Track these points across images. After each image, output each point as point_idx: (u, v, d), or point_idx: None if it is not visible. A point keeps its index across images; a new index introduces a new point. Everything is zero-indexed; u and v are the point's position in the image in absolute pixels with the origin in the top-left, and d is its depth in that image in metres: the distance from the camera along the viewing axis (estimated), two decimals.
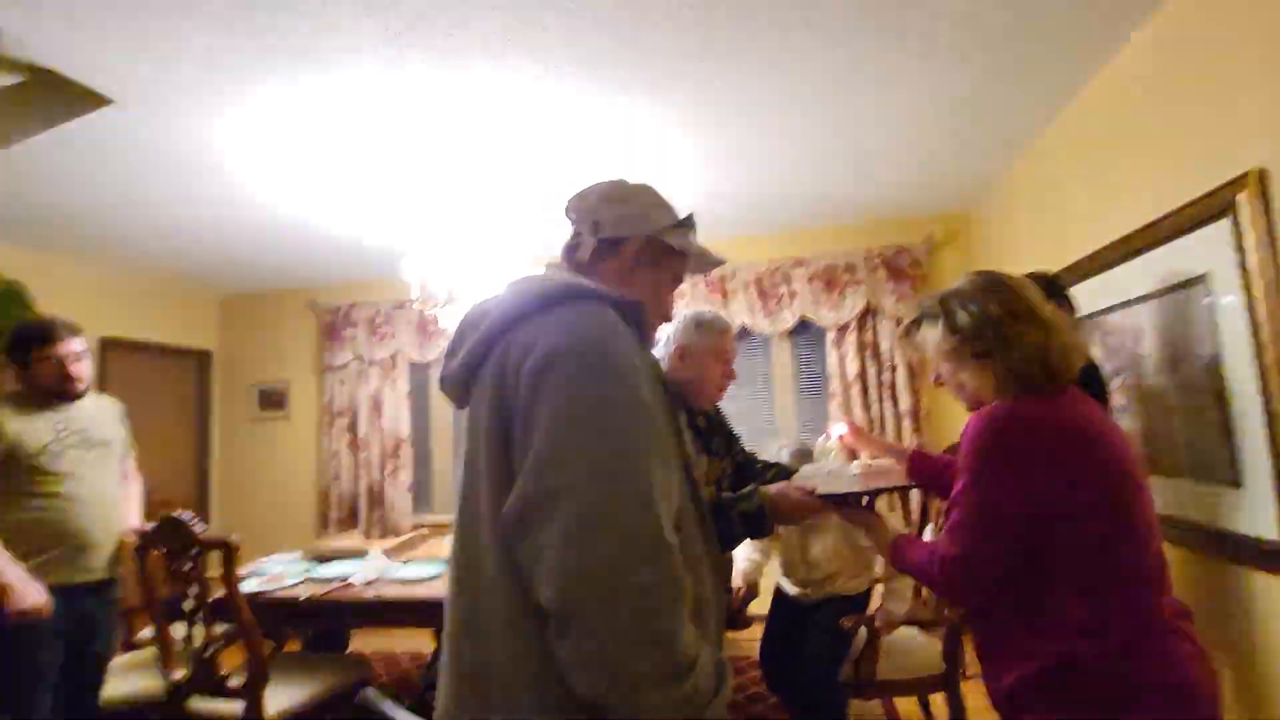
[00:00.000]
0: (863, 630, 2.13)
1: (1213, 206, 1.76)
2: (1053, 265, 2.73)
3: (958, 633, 2.15)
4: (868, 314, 3.86)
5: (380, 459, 4.43)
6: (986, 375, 1.14)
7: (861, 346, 3.84)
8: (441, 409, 4.56)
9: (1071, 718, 0.99)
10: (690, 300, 4.08)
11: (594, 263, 0.97)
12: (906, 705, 2.63)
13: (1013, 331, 1.11)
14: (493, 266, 2.87)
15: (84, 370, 2.09)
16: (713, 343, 1.67)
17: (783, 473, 1.69)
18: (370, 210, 3.34)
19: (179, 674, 2.10)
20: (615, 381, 0.75)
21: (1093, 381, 2.02)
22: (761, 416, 4.09)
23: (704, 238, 4.34)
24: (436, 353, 4.42)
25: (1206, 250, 1.82)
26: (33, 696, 1.81)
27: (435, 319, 2.92)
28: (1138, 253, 2.15)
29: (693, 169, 3.06)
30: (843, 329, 3.87)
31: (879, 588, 2.36)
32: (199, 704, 2.08)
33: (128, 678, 2.24)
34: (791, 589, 2.35)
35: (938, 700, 2.29)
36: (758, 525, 1.41)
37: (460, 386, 0.87)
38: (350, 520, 4.41)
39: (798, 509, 1.40)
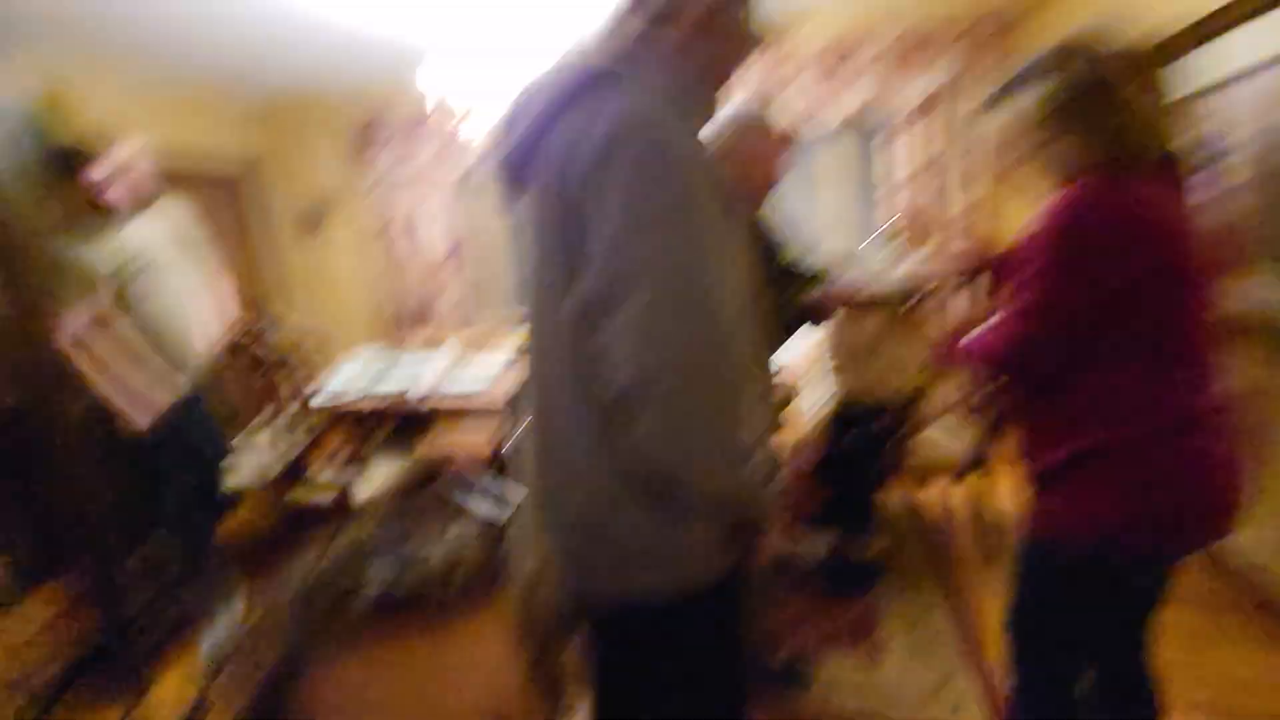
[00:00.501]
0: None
1: None
2: (1177, 24, 2.29)
3: (995, 425, 2.22)
4: (938, 98, 3.44)
5: (437, 266, 4.52)
6: (1078, 143, 1.05)
7: (929, 137, 3.49)
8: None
9: (1095, 496, 1.04)
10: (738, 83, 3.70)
11: (646, 35, 0.86)
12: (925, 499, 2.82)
13: (1115, 96, 1.03)
14: (515, 72, 2.62)
15: (136, 180, 2.02)
16: (752, 143, 1.54)
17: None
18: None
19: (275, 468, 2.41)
20: (677, 173, 0.72)
21: (1178, 164, 1.80)
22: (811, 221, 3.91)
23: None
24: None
25: None
26: (198, 516, 2.12)
27: (456, 132, 2.75)
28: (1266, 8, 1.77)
29: None
30: (912, 115, 3.49)
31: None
32: (297, 494, 2.41)
33: (234, 472, 2.57)
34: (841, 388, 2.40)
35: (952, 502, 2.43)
36: (807, 316, 1.52)
37: (513, 176, 0.85)
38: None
39: (837, 300, 1.49)
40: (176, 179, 4.30)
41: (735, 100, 1.56)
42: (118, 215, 2.02)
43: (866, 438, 2.18)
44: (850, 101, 3.56)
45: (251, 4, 2.96)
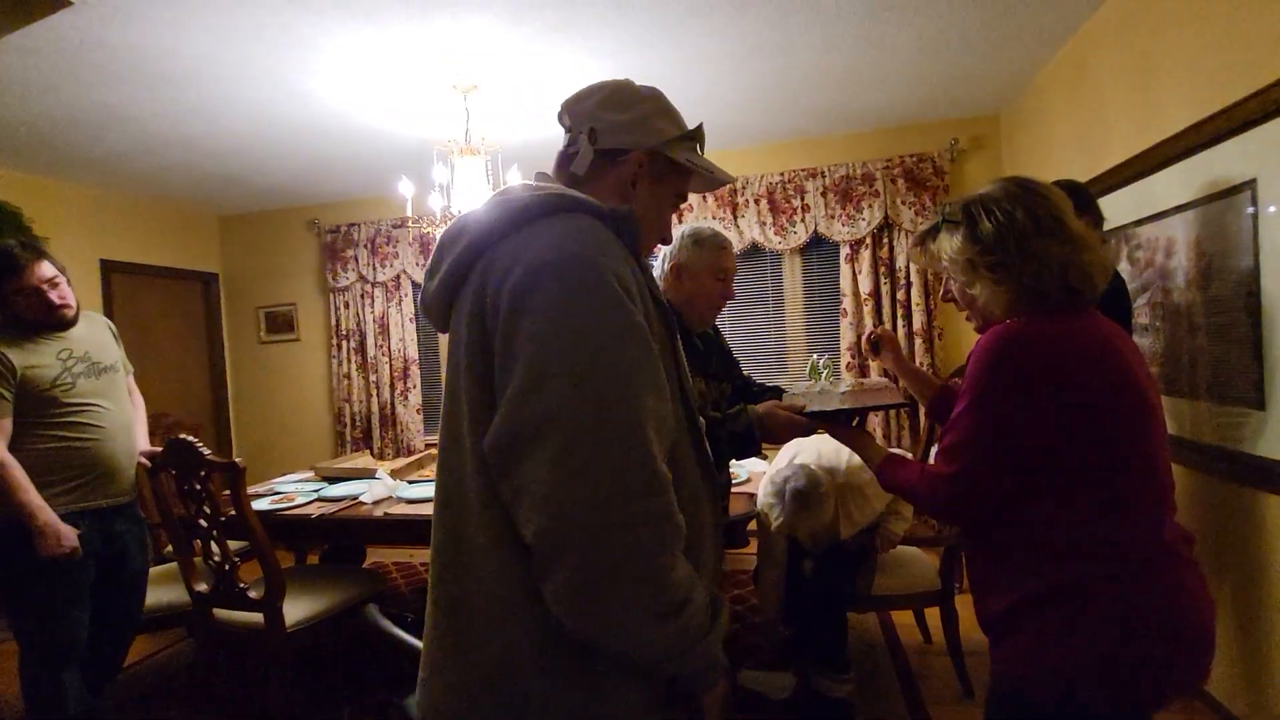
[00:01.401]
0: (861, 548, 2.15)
1: (1265, 106, 1.59)
2: (1086, 173, 2.55)
3: (955, 551, 2.17)
4: (884, 228, 3.69)
5: (390, 380, 4.46)
6: (1000, 290, 1.04)
7: (876, 263, 3.70)
8: None
9: (1063, 642, 0.97)
10: (697, 214, 3.92)
11: (591, 175, 0.88)
12: (901, 619, 2.72)
13: (1038, 245, 1.01)
14: (488, 184, 2.74)
15: (67, 294, 1.97)
16: (711, 260, 1.60)
17: (776, 395, 1.65)
18: (368, 119, 3.18)
19: (201, 587, 2.20)
20: (604, 301, 0.68)
21: (1118, 300, 1.93)
22: (771, 336, 4.02)
23: (712, 146, 4.11)
24: None
25: (1254, 154, 1.66)
26: (69, 615, 1.89)
27: (434, 238, 2.83)
28: (1179, 157, 1.99)
29: (699, 71, 2.84)
30: (857, 244, 3.72)
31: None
32: (224, 614, 2.19)
33: (156, 590, 2.36)
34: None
35: (932, 615, 2.34)
36: (744, 445, 1.39)
37: (441, 309, 0.82)
38: (364, 440, 4.51)
39: (785, 428, 1.37)
40: (158, 273, 4.38)
41: (690, 222, 1.65)
42: (60, 320, 1.97)
43: (830, 567, 2.10)
44: (799, 232, 3.79)
45: (223, 127, 3.10)
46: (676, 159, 0.90)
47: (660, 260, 1.67)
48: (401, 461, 2.91)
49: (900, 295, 3.65)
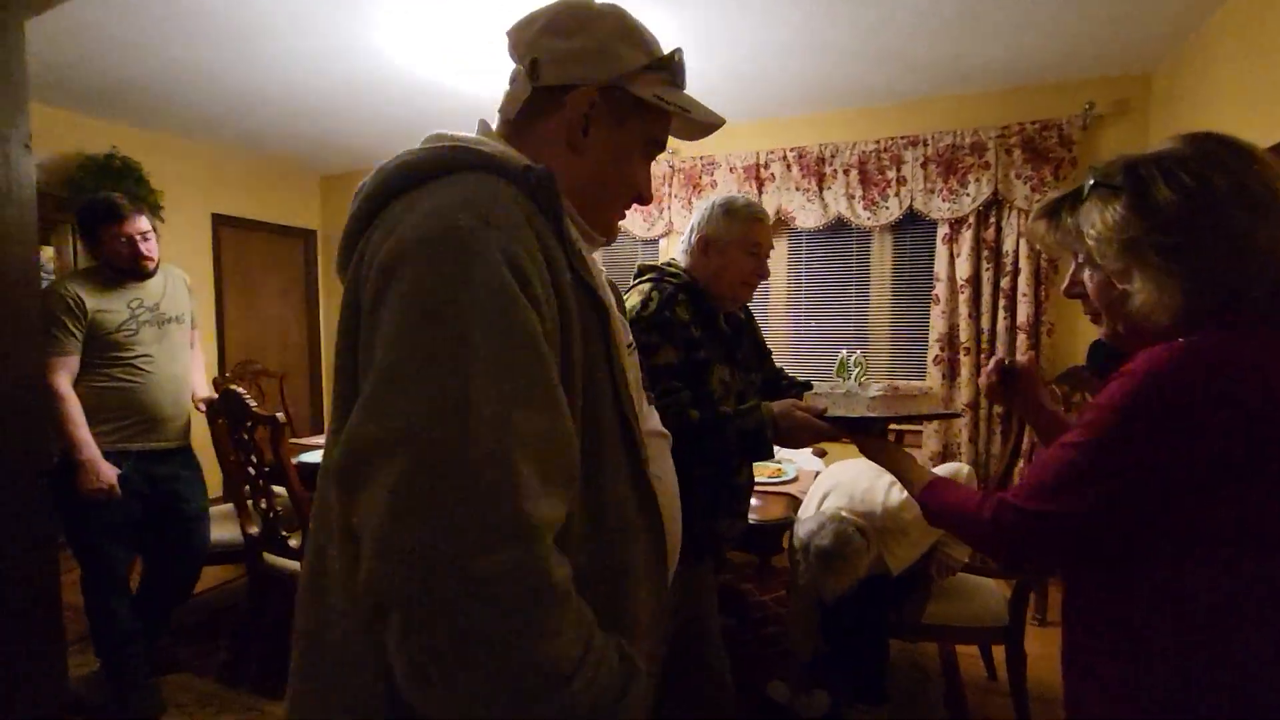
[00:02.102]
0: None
1: None
2: (1268, 140, 2.06)
3: (1028, 585, 1.87)
4: (991, 205, 3.24)
5: None
6: (1173, 286, 0.73)
7: (979, 244, 3.27)
8: None
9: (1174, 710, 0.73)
10: (780, 185, 3.63)
11: (530, 120, 0.73)
12: (966, 652, 2.42)
13: (1243, 225, 0.72)
14: None
15: (153, 249, 2.14)
16: (742, 232, 1.42)
17: (805, 390, 1.45)
18: (429, 73, 3.15)
19: (253, 530, 2.32)
20: (483, 289, 0.53)
21: None
22: (852, 323, 3.69)
23: (795, 109, 3.79)
24: None
25: None
26: (108, 550, 2.05)
27: None
28: None
29: (781, 19, 2.55)
30: (958, 223, 3.29)
31: None
32: (271, 559, 2.29)
33: (227, 526, 2.52)
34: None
35: (1000, 650, 2.05)
36: (755, 446, 1.26)
37: (342, 275, 0.70)
38: None
39: (802, 431, 1.23)
40: (263, 228, 4.72)
41: (724, 192, 1.47)
42: (141, 270, 2.12)
43: (869, 591, 1.87)
44: (891, 208, 3.41)
45: (316, 81, 3.17)
46: (641, 96, 0.72)
47: (687, 231, 1.50)
48: None
49: (1005, 283, 3.21)
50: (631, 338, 0.81)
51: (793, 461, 2.40)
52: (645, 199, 0.81)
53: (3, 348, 1.81)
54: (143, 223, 2.12)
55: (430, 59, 2.88)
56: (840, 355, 1.32)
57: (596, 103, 0.71)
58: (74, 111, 3.61)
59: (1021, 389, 1.08)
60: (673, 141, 2.97)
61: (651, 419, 0.81)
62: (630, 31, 0.74)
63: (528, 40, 0.73)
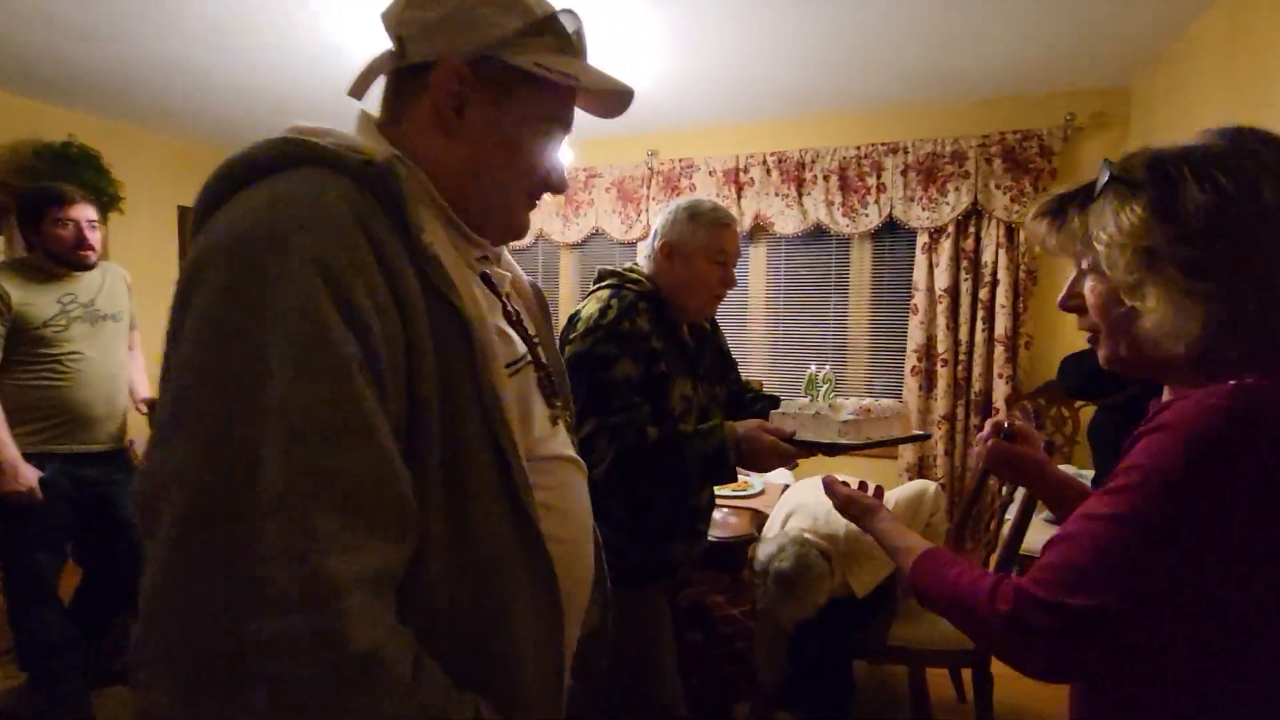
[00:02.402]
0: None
1: None
2: None
3: None
4: (970, 215, 3.20)
5: None
6: (1194, 308, 0.62)
7: (958, 255, 3.23)
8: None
9: None
10: (759, 189, 3.57)
11: (404, 105, 0.65)
12: (936, 672, 2.37)
13: (1248, 242, 0.61)
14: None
15: (97, 242, 2.04)
16: (707, 240, 1.34)
17: (771, 407, 1.38)
18: None
19: None
20: (283, 305, 0.46)
21: None
22: (831, 331, 3.64)
23: (776, 112, 3.72)
24: (531, 238, 4.25)
25: None
26: (34, 557, 1.94)
27: None
28: None
29: (757, 21, 2.49)
30: (937, 232, 3.25)
31: None
32: None
33: None
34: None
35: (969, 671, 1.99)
36: (717, 469, 1.19)
37: None
38: None
39: (767, 456, 1.16)
40: None
41: (694, 197, 1.40)
42: (81, 261, 2.02)
43: (831, 614, 1.81)
44: (871, 215, 3.36)
45: (281, 77, 3.07)
46: (520, 65, 0.62)
47: (651, 236, 1.42)
48: None
49: (983, 294, 3.17)
50: (527, 351, 0.72)
51: (761, 476, 2.34)
52: (554, 187, 0.71)
53: None
54: (90, 211, 2.04)
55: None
56: (809, 371, 1.25)
57: (466, 77, 0.62)
58: (31, 98, 3.48)
59: (1022, 453, 0.95)
60: (652, 142, 2.92)
61: (553, 442, 0.73)
62: (519, 10, 0.64)
63: (394, 16, 0.64)
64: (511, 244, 3.14)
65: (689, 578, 1.50)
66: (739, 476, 1.29)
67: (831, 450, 1.10)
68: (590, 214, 3.98)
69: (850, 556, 1.70)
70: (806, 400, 1.21)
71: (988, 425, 0.98)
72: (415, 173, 0.62)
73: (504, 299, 0.73)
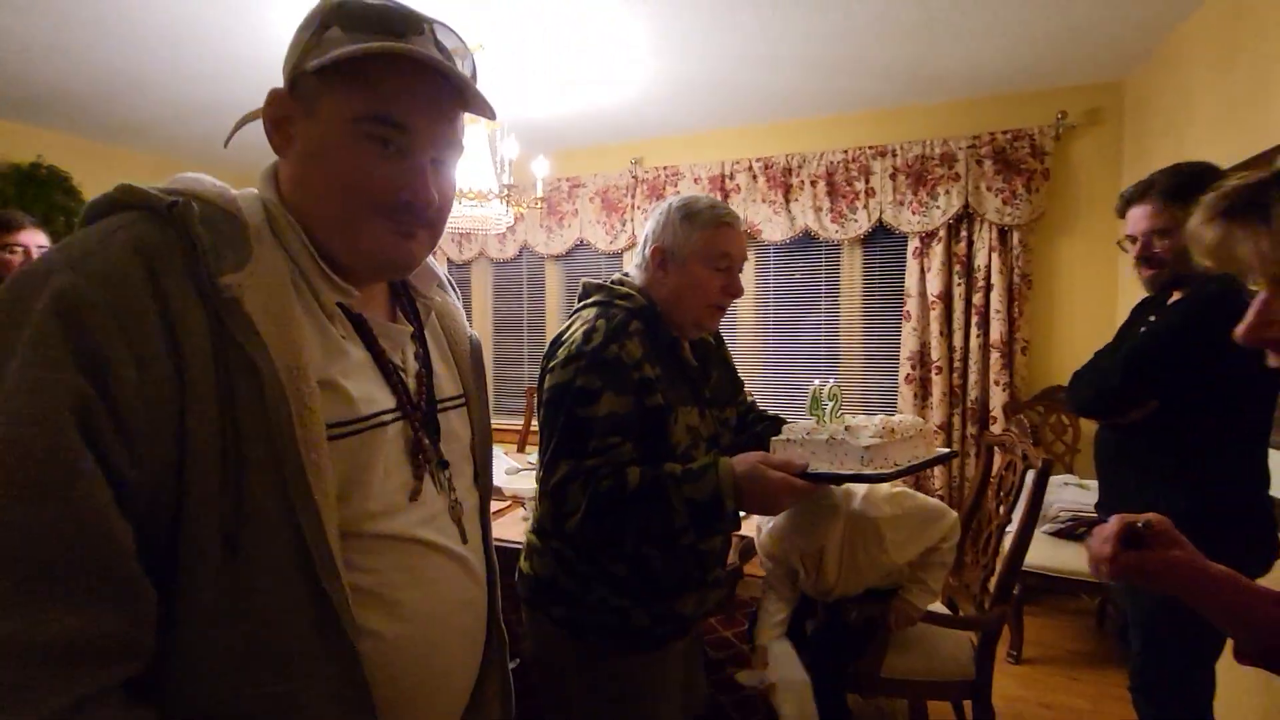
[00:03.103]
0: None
1: None
2: (1233, 156, 1.94)
3: (995, 634, 1.71)
4: (962, 218, 3.11)
5: None
6: None
7: (950, 259, 3.13)
8: (481, 310, 4.36)
9: None
10: (745, 195, 3.49)
11: (279, 149, 0.63)
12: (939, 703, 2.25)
13: None
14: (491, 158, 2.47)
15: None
16: (705, 242, 1.14)
17: (773, 431, 1.20)
18: None
19: None
20: (13, 342, 0.45)
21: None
22: (822, 340, 3.54)
23: (761, 117, 3.63)
24: (474, 252, 4.17)
25: None
26: None
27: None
28: None
29: (736, 25, 2.41)
30: (928, 236, 3.16)
31: None
32: None
33: None
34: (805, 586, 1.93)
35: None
36: (711, 519, 1.00)
37: None
38: None
39: (776, 495, 0.97)
40: None
41: (688, 194, 1.22)
42: None
43: (824, 643, 1.70)
44: (860, 220, 3.27)
45: (255, 94, 2.99)
46: (310, 69, 0.57)
47: (641, 242, 1.21)
48: None
49: (977, 299, 3.07)
50: (396, 409, 0.64)
51: None
52: (399, 202, 0.60)
53: None
54: (40, 236, 2.01)
55: None
56: (813, 386, 1.06)
57: (280, 99, 0.60)
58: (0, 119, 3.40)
59: (1159, 552, 0.72)
60: (636, 150, 2.77)
61: (403, 519, 0.62)
62: (314, 10, 0.60)
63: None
64: (496, 255, 3.03)
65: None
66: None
67: (857, 483, 0.96)
68: (574, 224, 3.90)
69: (863, 521, 1.54)
70: (813, 422, 1.04)
71: (1103, 532, 0.76)
72: (268, 209, 0.60)
73: (380, 348, 0.64)
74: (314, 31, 0.58)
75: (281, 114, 0.60)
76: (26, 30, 2.42)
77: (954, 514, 1.76)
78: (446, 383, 0.74)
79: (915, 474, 1.13)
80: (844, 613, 1.75)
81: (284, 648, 0.52)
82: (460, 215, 2.52)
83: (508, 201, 2.56)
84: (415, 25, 0.59)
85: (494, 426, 3.37)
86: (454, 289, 0.86)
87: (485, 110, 0.63)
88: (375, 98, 0.58)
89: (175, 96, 3.10)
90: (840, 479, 0.95)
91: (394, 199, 0.60)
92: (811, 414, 1.08)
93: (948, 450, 1.15)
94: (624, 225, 3.79)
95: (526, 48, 2.60)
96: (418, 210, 0.61)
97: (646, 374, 1.09)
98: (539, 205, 2.74)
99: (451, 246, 4.22)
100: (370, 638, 0.56)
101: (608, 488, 1.02)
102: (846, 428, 1.01)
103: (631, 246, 3.84)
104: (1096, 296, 2.95)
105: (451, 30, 0.63)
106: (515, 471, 2.47)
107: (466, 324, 0.82)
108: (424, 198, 0.60)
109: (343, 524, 0.55)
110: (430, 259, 0.75)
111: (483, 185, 2.47)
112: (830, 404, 1.06)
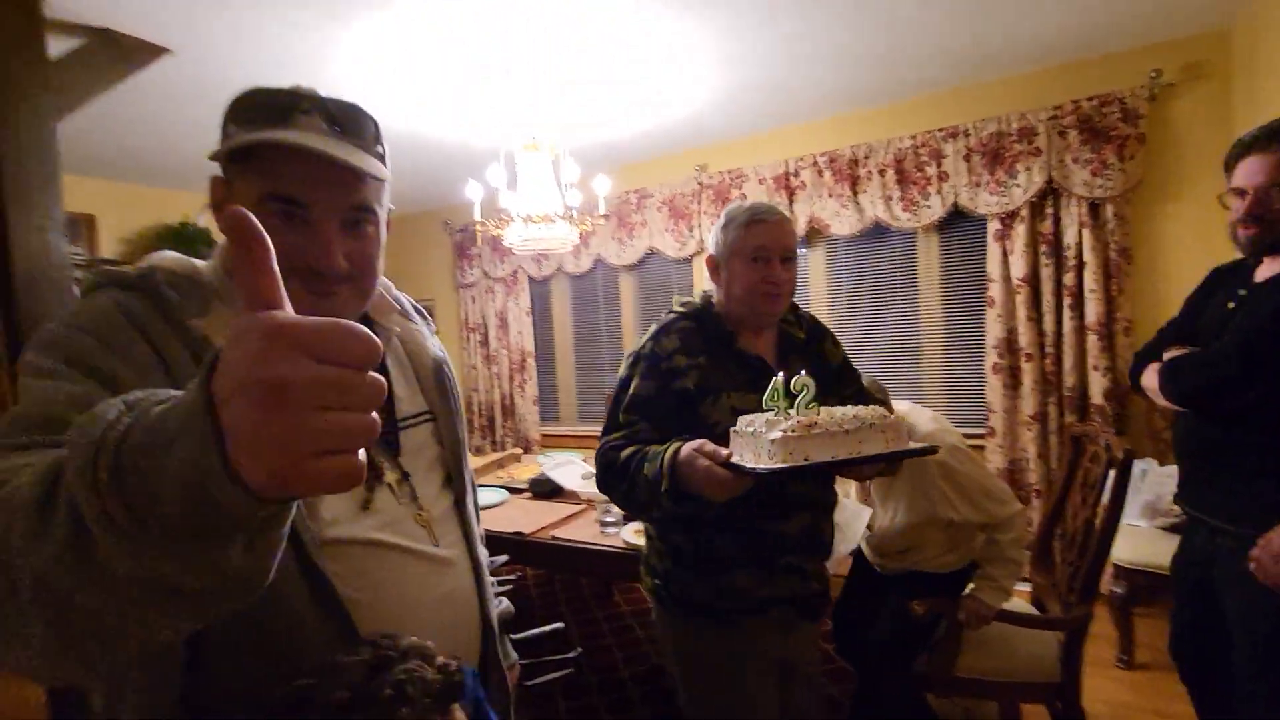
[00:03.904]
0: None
1: None
2: None
3: (1079, 635, 1.63)
4: (1046, 195, 2.92)
5: (509, 371, 4.63)
6: None
7: (1035, 239, 2.95)
8: (563, 322, 4.58)
9: None
10: (811, 193, 3.45)
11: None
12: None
13: None
14: (535, 188, 2.63)
15: None
16: (738, 240, 1.23)
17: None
18: (465, 120, 3.24)
19: None
20: (30, 355, 0.59)
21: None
22: (902, 333, 3.43)
23: (814, 114, 3.59)
24: (552, 269, 4.39)
25: None
26: None
27: (500, 238, 2.80)
28: None
29: (782, 25, 2.43)
30: (1009, 217, 3.00)
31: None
32: None
33: None
34: (867, 551, 1.95)
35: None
36: (656, 496, 1.05)
37: None
38: (487, 429, 4.75)
39: (705, 484, 0.98)
40: None
41: (733, 204, 1.29)
42: None
43: (899, 624, 1.69)
44: (933, 206, 3.15)
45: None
46: (237, 145, 0.65)
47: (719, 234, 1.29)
48: (480, 460, 2.96)
49: (1068, 279, 2.87)
50: None
51: None
52: (308, 268, 0.66)
53: None
54: None
55: (437, 116, 2.97)
56: (775, 379, 1.01)
57: (218, 182, 0.70)
58: (154, 187, 4.00)
59: None
60: (700, 156, 2.89)
61: (354, 525, 0.71)
62: (239, 103, 0.68)
63: None
64: (572, 270, 3.22)
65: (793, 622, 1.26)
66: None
67: (762, 479, 0.90)
68: (644, 235, 4.01)
69: (950, 470, 1.61)
70: (772, 414, 1.00)
71: None
72: (220, 274, 0.72)
73: None
74: (222, 125, 0.68)
75: (216, 198, 0.70)
76: (174, 113, 2.86)
77: (1018, 506, 1.71)
78: (407, 403, 0.82)
79: (841, 470, 1.03)
80: (910, 608, 1.74)
81: (285, 625, 0.62)
82: (530, 238, 2.71)
83: (572, 221, 2.70)
84: (300, 106, 0.66)
85: (576, 433, 3.57)
86: (422, 315, 0.93)
87: (376, 175, 0.69)
88: (272, 179, 0.65)
89: None
90: (744, 471, 0.92)
91: (302, 265, 0.66)
92: (768, 405, 1.04)
93: (904, 449, 0.97)
94: (692, 231, 3.86)
95: (601, 76, 2.74)
96: (328, 275, 0.67)
97: (677, 363, 1.21)
98: (603, 221, 2.87)
99: (531, 265, 4.47)
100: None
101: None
102: (799, 414, 0.97)
103: (700, 252, 3.90)
104: (1215, 263, 2.67)
105: (348, 104, 0.70)
106: (590, 476, 2.61)
107: (432, 346, 0.89)
108: (327, 264, 0.66)
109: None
110: (388, 289, 0.85)
111: (547, 208, 2.64)
112: (803, 393, 1.00)
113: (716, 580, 1.21)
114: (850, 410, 0.99)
